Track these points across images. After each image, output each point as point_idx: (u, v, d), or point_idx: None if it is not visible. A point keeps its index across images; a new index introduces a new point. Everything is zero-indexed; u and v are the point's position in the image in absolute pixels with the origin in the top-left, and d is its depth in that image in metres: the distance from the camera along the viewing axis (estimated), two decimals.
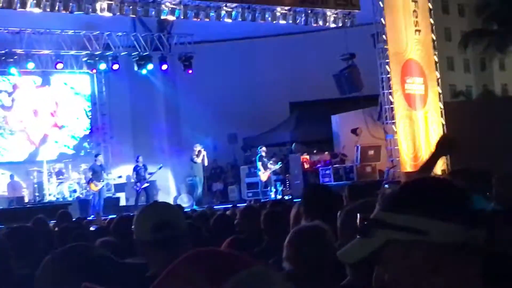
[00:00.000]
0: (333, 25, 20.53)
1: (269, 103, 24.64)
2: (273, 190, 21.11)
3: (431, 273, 1.50)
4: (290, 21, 19.76)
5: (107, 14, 17.52)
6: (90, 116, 24.42)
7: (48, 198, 20.73)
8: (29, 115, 23.28)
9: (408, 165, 18.74)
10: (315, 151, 22.10)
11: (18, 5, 16.22)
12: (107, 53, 22.49)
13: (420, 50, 20.10)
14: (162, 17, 18.87)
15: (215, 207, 15.20)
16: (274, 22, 19.61)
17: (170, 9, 18.21)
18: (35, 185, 20.99)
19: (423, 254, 1.50)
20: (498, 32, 34.99)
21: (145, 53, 22.73)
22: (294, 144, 22.72)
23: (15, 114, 23.07)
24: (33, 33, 20.78)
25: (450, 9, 50.17)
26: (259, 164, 20.97)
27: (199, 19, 18.69)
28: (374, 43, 19.86)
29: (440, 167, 19.17)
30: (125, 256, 3.58)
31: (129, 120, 24.53)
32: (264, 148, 21.24)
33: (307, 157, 21.42)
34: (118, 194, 22.28)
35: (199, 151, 20.94)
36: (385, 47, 19.37)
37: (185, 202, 20.94)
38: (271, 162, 21.15)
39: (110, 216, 12.00)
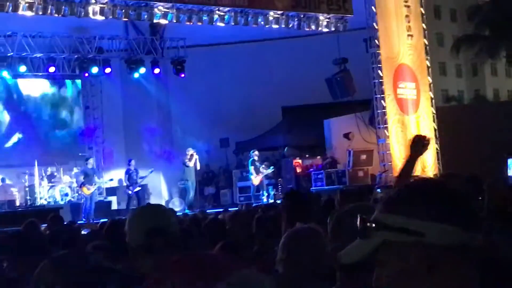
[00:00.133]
0: (325, 30, 20.56)
1: (262, 107, 24.60)
2: (265, 194, 21.05)
3: (427, 274, 1.50)
4: (283, 26, 19.79)
5: (99, 17, 17.48)
6: (82, 120, 24.35)
7: (39, 202, 20.62)
8: None
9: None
10: (307, 156, 22.12)
11: (11, 8, 16.18)
12: (99, 57, 22.44)
13: (412, 55, 20.18)
14: (155, 21, 18.84)
15: (207, 211, 15.18)
16: (267, 26, 19.65)
17: (162, 13, 18.19)
18: (27, 189, 20.88)
19: (420, 256, 1.50)
20: (490, 37, 35.10)
21: (138, 57, 22.71)
22: (286, 148, 22.73)
23: None
24: (25, 37, 20.72)
25: (442, 14, 50.39)
26: (251, 168, 20.90)
27: (191, 23, 18.68)
28: (366, 48, 19.92)
29: (432, 171, 19.28)
30: (118, 260, 3.57)
31: (121, 123, 24.48)
32: (256, 152, 21.18)
33: (300, 161, 21.44)
34: (109, 198, 22.22)
35: (192, 155, 20.89)
36: (378, 51, 19.44)
37: (177, 206, 20.93)
38: (263, 166, 21.11)
39: (102, 220, 11.98)
